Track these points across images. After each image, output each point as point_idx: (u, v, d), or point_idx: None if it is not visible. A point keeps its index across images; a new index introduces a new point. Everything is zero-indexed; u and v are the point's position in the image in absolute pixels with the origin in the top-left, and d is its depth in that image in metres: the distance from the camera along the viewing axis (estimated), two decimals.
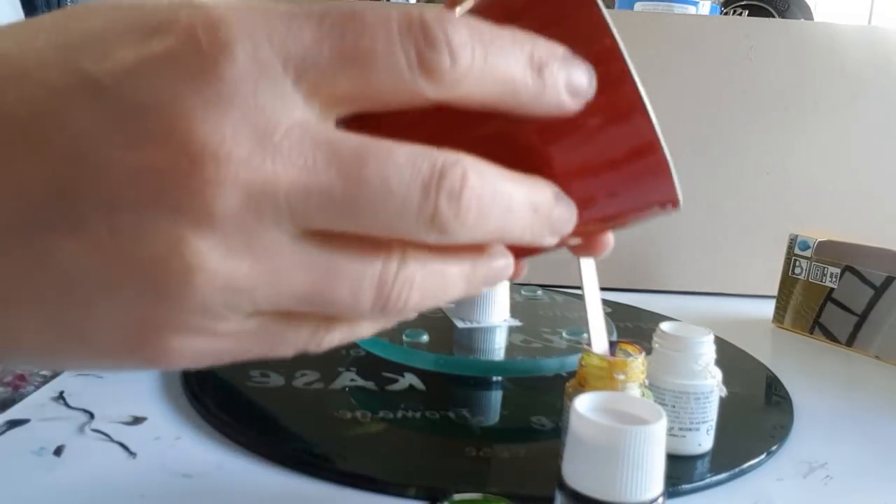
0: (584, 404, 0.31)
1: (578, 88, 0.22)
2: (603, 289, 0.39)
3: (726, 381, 0.44)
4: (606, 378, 0.38)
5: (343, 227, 0.20)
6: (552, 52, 0.22)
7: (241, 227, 0.19)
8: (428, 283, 0.22)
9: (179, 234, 0.19)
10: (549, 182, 0.23)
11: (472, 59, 0.20)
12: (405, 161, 0.20)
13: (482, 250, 0.23)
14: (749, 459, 0.45)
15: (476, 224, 0.21)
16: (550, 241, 0.24)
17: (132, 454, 0.42)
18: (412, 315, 0.23)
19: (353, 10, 0.20)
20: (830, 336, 0.70)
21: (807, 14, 1.02)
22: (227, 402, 0.48)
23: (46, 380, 0.51)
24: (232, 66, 0.19)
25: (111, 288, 0.19)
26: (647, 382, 0.39)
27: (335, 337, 0.23)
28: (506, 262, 0.24)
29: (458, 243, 0.21)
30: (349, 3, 0.23)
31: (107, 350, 0.21)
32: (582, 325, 0.59)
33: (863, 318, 0.67)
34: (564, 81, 0.22)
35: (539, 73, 0.21)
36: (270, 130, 0.19)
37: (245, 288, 0.20)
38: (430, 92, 0.20)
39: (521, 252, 0.25)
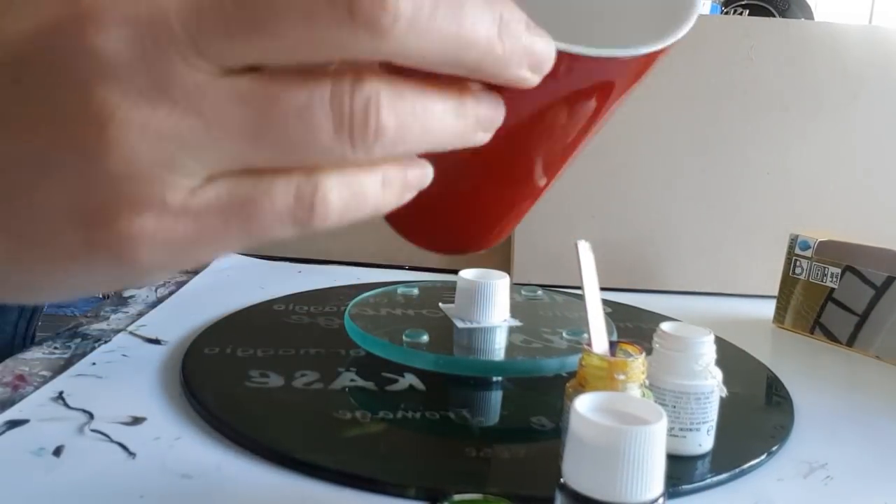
0: (584, 404, 0.31)
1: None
2: (603, 289, 0.39)
3: (727, 382, 0.44)
4: (607, 378, 0.38)
5: (257, 54, 0.18)
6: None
7: (143, 66, 0.17)
8: (392, 102, 0.19)
9: (81, 87, 0.17)
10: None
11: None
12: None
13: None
14: (749, 460, 0.45)
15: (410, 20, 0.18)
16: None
17: (132, 454, 0.42)
18: (391, 147, 0.19)
19: None
20: (831, 336, 0.70)
21: (807, 14, 1.02)
22: (227, 403, 0.48)
23: (46, 380, 0.51)
24: None
25: (39, 165, 0.18)
26: (647, 383, 0.39)
27: (331, 197, 0.20)
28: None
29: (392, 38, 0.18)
30: None
31: (67, 249, 0.19)
32: (582, 325, 0.59)
33: (863, 318, 0.67)
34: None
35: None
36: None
37: (170, 135, 0.18)
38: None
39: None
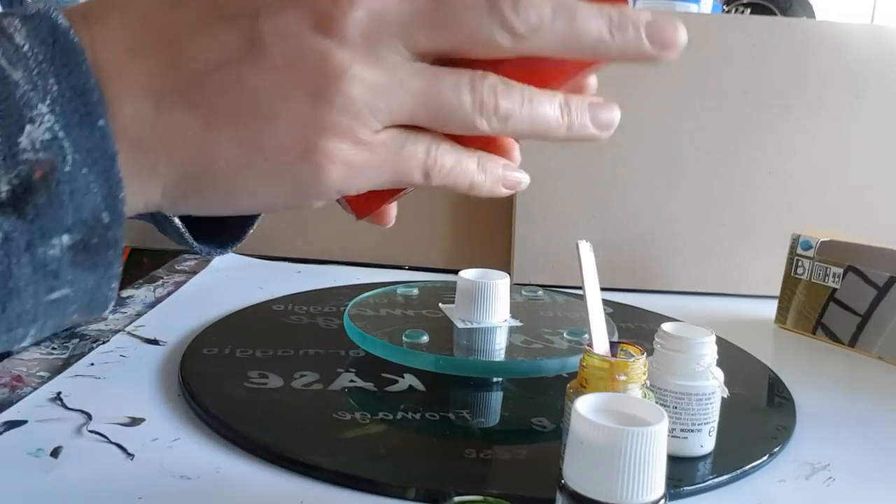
0: (585, 405, 0.31)
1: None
2: (604, 289, 0.39)
3: (728, 382, 0.44)
4: (608, 379, 0.38)
5: (439, 43, 0.27)
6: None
7: (369, 45, 0.26)
8: (506, 92, 0.28)
9: (328, 49, 0.26)
10: None
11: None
12: None
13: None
14: (751, 461, 0.44)
15: (540, 27, 0.28)
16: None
17: (130, 455, 0.42)
18: (504, 123, 0.28)
19: None
20: (833, 336, 0.69)
21: (809, 13, 1.02)
22: (226, 403, 0.48)
23: (44, 381, 0.50)
24: None
25: (285, 97, 0.26)
26: (648, 383, 0.39)
27: (445, 159, 0.29)
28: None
29: (530, 48, 0.28)
30: None
31: (281, 159, 0.27)
32: (583, 325, 0.59)
33: (865, 318, 0.67)
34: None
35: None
36: None
37: (378, 89, 0.27)
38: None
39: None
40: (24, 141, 0.24)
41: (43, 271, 0.25)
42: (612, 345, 0.39)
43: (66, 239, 0.25)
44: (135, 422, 0.46)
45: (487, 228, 0.87)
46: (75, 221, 0.25)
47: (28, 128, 0.24)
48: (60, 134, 0.24)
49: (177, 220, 0.41)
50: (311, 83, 0.26)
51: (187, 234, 0.42)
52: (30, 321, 0.26)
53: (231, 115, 0.27)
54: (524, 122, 0.29)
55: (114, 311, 0.66)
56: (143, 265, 0.88)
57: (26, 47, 0.24)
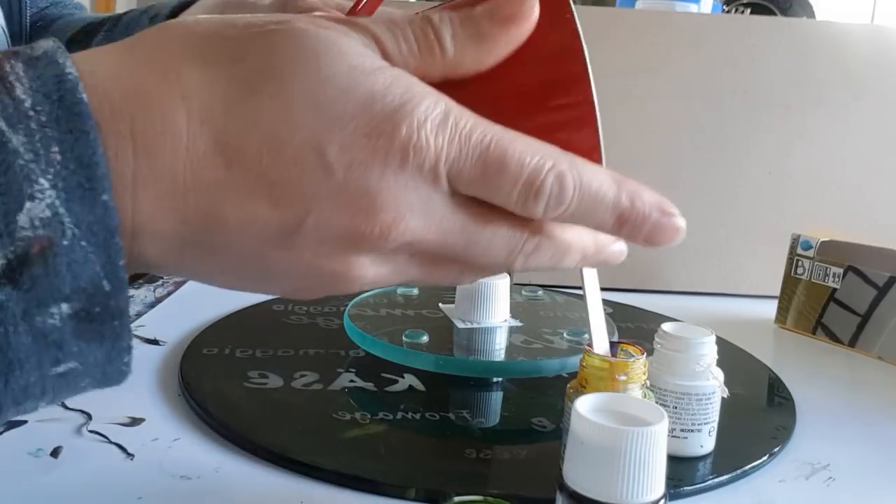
0: (585, 405, 0.31)
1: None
2: (604, 289, 0.39)
3: (728, 382, 0.44)
4: (608, 379, 0.38)
5: (480, 192, 0.27)
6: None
7: (381, 258, 0.27)
8: (547, 254, 0.29)
9: (354, 260, 0.27)
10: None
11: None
12: (516, 164, 0.27)
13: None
14: (751, 461, 0.44)
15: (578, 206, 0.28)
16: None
17: (130, 455, 0.42)
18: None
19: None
20: (833, 336, 0.69)
21: (809, 12, 1.02)
22: (226, 403, 0.48)
23: None
24: (410, 170, 0.26)
25: (296, 278, 0.27)
26: (648, 383, 0.39)
27: (477, 276, 0.30)
28: (621, 248, 0.32)
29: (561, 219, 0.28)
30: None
31: (282, 292, 0.29)
32: (583, 325, 0.59)
33: (865, 318, 0.67)
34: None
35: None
36: (427, 206, 0.27)
37: (378, 280, 0.28)
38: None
39: None
40: (22, 218, 0.22)
41: (44, 341, 0.23)
42: (612, 345, 0.39)
43: (65, 308, 0.23)
44: (135, 422, 0.46)
45: None
46: (74, 290, 0.23)
47: (28, 205, 0.22)
48: (61, 210, 0.23)
49: None
50: (325, 280, 0.27)
51: None
52: (38, 395, 0.24)
53: (245, 275, 0.28)
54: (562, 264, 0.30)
55: None
56: None
57: (28, 103, 0.23)
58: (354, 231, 0.26)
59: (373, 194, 0.26)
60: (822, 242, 0.71)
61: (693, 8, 0.87)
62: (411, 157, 0.26)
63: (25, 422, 0.45)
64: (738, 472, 0.43)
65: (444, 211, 0.27)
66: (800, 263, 0.72)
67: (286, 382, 0.51)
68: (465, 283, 0.31)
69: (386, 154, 0.25)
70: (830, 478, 0.44)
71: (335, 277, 0.27)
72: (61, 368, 0.24)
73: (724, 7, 1.03)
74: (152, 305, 0.68)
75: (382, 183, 0.26)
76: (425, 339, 0.54)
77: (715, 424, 0.44)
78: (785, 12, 0.99)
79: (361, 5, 0.31)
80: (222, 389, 0.50)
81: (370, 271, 0.27)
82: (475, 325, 0.58)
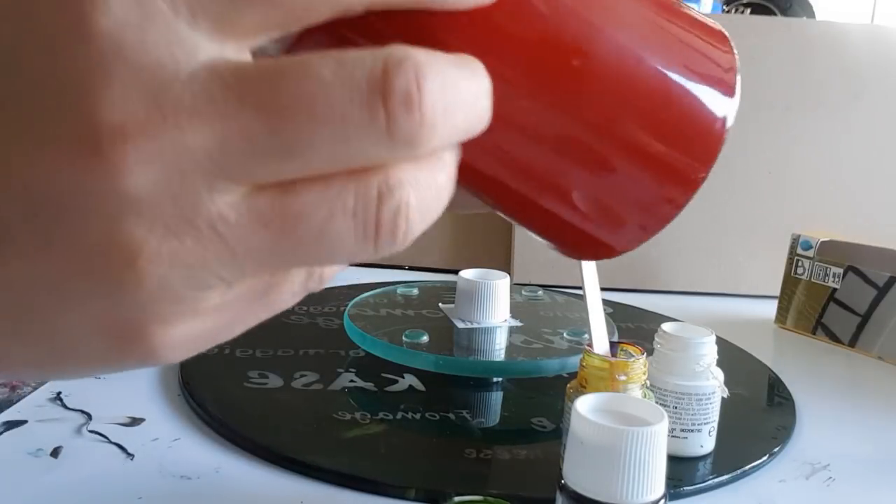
0: (585, 405, 0.31)
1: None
2: (604, 289, 0.39)
3: (728, 382, 0.44)
4: (608, 379, 0.38)
5: (289, 173, 0.18)
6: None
7: (171, 201, 0.17)
8: (423, 197, 0.19)
9: (109, 224, 0.17)
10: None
11: None
12: (332, 73, 0.17)
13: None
14: (751, 461, 0.44)
15: (445, 124, 0.17)
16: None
17: (130, 455, 0.42)
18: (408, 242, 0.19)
19: None
20: (833, 336, 0.69)
21: (809, 12, 1.02)
22: (226, 403, 0.48)
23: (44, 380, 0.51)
24: (107, 18, 0.16)
25: (64, 292, 0.18)
26: (648, 383, 0.39)
27: (334, 270, 0.21)
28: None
29: (430, 150, 0.18)
30: None
31: (97, 357, 0.20)
32: (583, 325, 0.59)
33: (865, 318, 0.67)
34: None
35: None
36: (167, 83, 0.17)
37: (198, 264, 0.18)
38: None
39: None
40: None
41: None
42: (612, 345, 0.39)
43: None
44: (135, 422, 0.46)
45: (487, 228, 0.87)
46: None
47: None
48: None
49: None
50: (94, 273, 0.18)
51: None
52: None
53: (19, 326, 0.19)
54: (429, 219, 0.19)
55: None
56: None
57: None
58: (63, 164, 0.17)
59: (58, 86, 0.17)
60: (822, 242, 0.71)
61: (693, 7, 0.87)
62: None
63: (25, 422, 0.45)
64: (738, 472, 0.43)
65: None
66: (800, 263, 0.72)
67: (286, 382, 0.51)
68: (314, 288, 0.21)
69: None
70: (830, 478, 0.44)
71: (108, 265, 0.18)
72: None
73: (724, 7, 1.03)
74: None
75: None
76: (425, 339, 0.54)
77: (715, 424, 0.44)
78: (785, 12, 0.99)
79: None
80: (222, 389, 0.50)
81: (158, 248, 0.17)
82: (475, 325, 0.58)
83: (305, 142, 0.17)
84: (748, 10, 1.00)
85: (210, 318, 0.19)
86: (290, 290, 0.20)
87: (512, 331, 0.58)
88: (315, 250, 0.18)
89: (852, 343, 0.68)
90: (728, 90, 0.23)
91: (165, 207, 0.17)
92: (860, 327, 0.67)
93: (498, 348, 0.56)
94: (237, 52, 0.18)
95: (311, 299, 0.69)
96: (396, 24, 0.19)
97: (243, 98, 0.17)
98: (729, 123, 0.22)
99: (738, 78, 0.22)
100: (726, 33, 0.23)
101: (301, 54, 0.17)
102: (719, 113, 0.23)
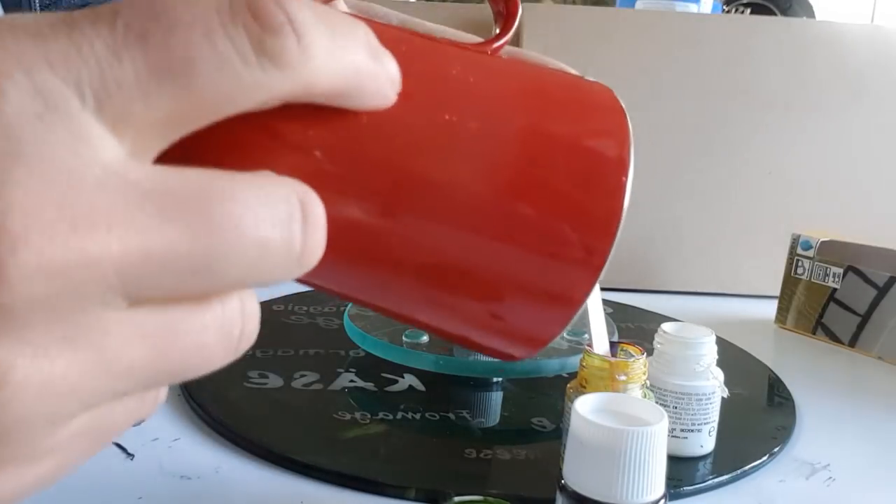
0: (585, 405, 0.31)
1: (395, 80, 0.20)
2: (604, 289, 0.39)
3: (728, 382, 0.44)
4: (607, 379, 0.38)
5: (196, 286, 0.17)
6: (377, 44, 0.20)
7: (56, 317, 0.15)
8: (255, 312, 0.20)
9: None
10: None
11: (320, 39, 0.17)
12: (256, 199, 0.17)
13: None
14: (751, 461, 0.44)
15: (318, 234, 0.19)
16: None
17: (130, 455, 0.42)
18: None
19: (153, 2, 0.16)
20: (833, 336, 0.69)
21: (809, 13, 1.02)
22: (226, 404, 0.48)
23: None
24: (5, 107, 0.15)
25: None
26: (648, 383, 0.39)
27: (162, 395, 0.20)
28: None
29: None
30: None
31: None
32: (583, 325, 0.58)
33: (866, 318, 0.67)
34: (391, 72, 0.20)
35: (376, 60, 0.19)
36: (75, 186, 0.15)
37: (68, 387, 0.16)
38: (277, 83, 0.17)
39: None
40: None
41: None
42: (612, 345, 0.39)
43: None
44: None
45: None
46: None
47: None
48: None
49: None
50: None
51: None
52: None
53: None
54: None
55: None
56: None
57: None
58: None
59: None
60: (822, 242, 0.71)
61: (693, 8, 0.87)
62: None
63: None
64: (738, 472, 0.43)
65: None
66: (800, 263, 0.72)
67: (286, 382, 0.51)
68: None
69: None
70: (830, 478, 0.44)
71: None
72: None
73: (724, 7, 1.03)
74: None
75: None
76: (425, 339, 0.54)
77: (715, 424, 0.44)
78: (785, 12, 0.99)
79: None
80: (222, 389, 0.50)
81: (27, 373, 0.15)
82: None
83: (230, 261, 0.17)
84: (748, 10, 1.00)
85: (44, 462, 0.17)
86: (121, 422, 0.19)
87: None
88: (189, 365, 0.18)
89: (852, 343, 0.68)
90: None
91: (49, 325, 0.15)
92: (860, 327, 0.67)
93: None
94: (145, 152, 0.17)
95: (312, 299, 0.69)
96: (301, 123, 0.20)
97: (167, 212, 0.16)
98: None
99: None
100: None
101: (213, 170, 0.17)
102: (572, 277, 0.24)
